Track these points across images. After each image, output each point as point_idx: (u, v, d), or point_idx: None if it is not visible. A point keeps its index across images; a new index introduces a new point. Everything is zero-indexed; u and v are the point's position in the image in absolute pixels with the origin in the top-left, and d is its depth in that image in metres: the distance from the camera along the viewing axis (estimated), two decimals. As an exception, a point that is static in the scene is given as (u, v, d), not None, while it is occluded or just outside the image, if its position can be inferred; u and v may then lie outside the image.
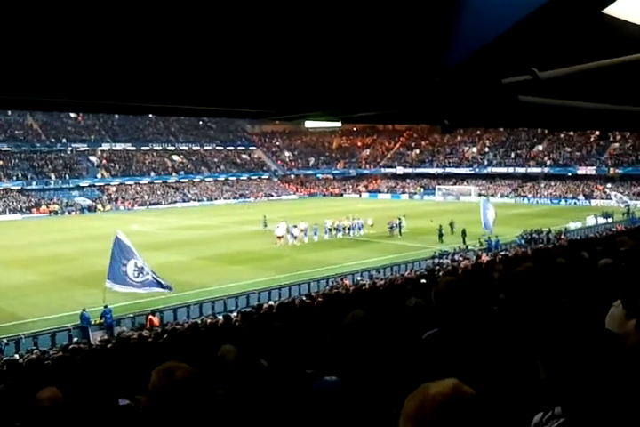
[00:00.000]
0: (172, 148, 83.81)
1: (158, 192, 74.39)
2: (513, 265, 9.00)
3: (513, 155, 75.50)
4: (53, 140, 75.76)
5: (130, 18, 1.49)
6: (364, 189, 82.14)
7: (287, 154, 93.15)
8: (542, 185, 68.99)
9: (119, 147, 79.50)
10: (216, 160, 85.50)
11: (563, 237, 31.06)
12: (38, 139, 75.07)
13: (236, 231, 41.78)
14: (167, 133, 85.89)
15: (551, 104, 2.61)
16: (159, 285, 19.08)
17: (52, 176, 70.68)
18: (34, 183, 68.06)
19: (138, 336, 12.73)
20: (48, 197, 66.68)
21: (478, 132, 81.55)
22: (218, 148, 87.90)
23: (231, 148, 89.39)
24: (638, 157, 64.40)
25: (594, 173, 66.52)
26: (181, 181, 78.06)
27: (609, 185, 63.84)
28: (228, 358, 5.08)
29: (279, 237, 35.11)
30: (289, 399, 3.40)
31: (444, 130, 2.89)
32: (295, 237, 35.22)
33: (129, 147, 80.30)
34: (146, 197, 72.09)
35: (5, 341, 16.52)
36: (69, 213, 63.23)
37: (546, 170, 70.53)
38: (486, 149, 79.16)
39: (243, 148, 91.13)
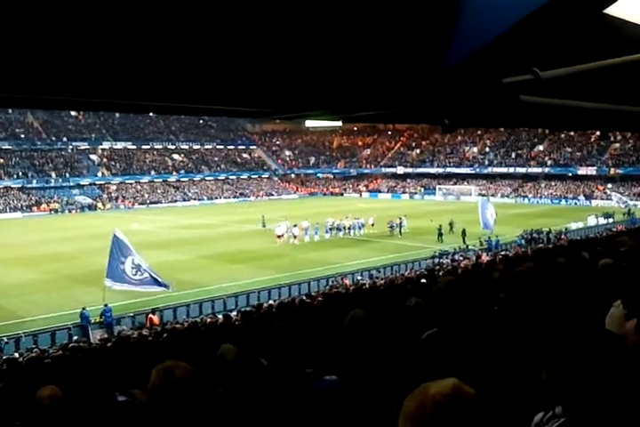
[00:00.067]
0: (173, 146, 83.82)
1: (159, 191, 74.40)
2: (513, 265, 9.00)
3: (513, 155, 75.48)
4: (54, 138, 75.76)
5: (130, 16, 1.49)
6: (364, 188, 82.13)
7: (287, 153, 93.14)
8: (543, 185, 68.97)
9: (120, 145, 79.50)
10: (216, 159, 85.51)
11: (563, 237, 31.06)
12: (39, 137, 75.08)
13: (236, 230, 41.79)
14: (168, 132, 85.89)
15: (552, 104, 2.61)
16: (157, 283, 19.09)
17: (53, 174, 70.69)
18: (34, 181, 68.08)
19: (138, 335, 12.74)
20: (48, 196, 66.70)
21: (479, 132, 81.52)
22: (218, 147, 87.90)
23: (231, 147, 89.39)
24: (639, 158, 64.36)
25: (594, 173, 66.49)
26: (182, 179, 78.06)
27: (609, 185, 63.83)
28: (227, 358, 5.08)
29: (279, 237, 35.11)
30: (289, 399, 3.40)
31: (444, 130, 2.88)
32: (295, 237, 35.21)
33: (129, 145, 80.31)
34: (146, 195, 72.11)
35: (5, 339, 16.51)
36: (70, 212, 63.28)
37: (546, 170, 70.51)
38: (487, 149, 79.14)
39: (243, 147, 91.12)
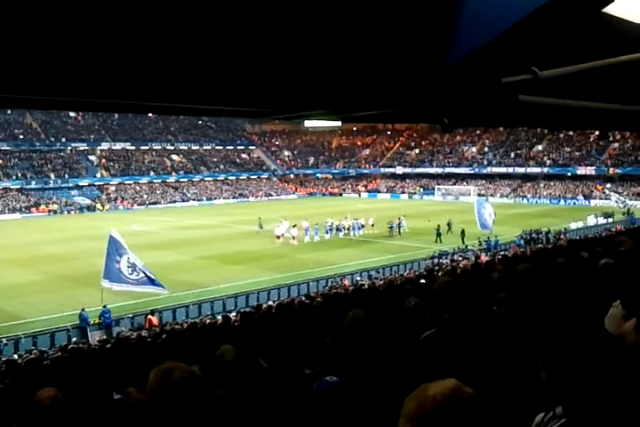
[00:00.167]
0: (172, 147, 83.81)
1: (157, 192, 74.39)
2: (512, 265, 8.99)
3: (512, 155, 75.53)
4: (53, 139, 75.74)
5: (128, 17, 1.48)
6: (363, 188, 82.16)
7: (287, 153, 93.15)
8: (542, 185, 69.02)
9: (118, 146, 79.50)
10: (215, 160, 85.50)
11: (562, 237, 31.07)
12: (38, 138, 75.05)
13: (235, 231, 41.77)
14: (166, 133, 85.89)
15: (551, 104, 2.60)
16: (153, 283, 19.01)
17: (52, 175, 70.69)
18: (33, 182, 68.07)
19: (137, 336, 12.73)
20: (47, 197, 66.68)
21: (478, 132, 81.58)
22: (217, 147, 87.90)
23: (230, 147, 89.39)
24: (638, 158, 64.41)
25: (593, 173, 66.55)
26: (181, 180, 78.06)
27: (608, 185, 63.90)
28: (226, 359, 5.07)
29: (278, 237, 35.11)
30: (288, 400, 3.40)
31: (443, 129, 2.88)
32: (294, 237, 35.21)
33: (128, 146, 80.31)
34: (145, 196, 72.09)
35: (4, 341, 16.52)
36: (69, 213, 63.27)
37: (545, 170, 70.56)
38: (486, 149, 79.18)
39: (242, 147, 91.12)
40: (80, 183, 71.16)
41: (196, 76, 2.01)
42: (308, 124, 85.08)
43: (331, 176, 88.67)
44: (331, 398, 3.02)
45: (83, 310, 18.59)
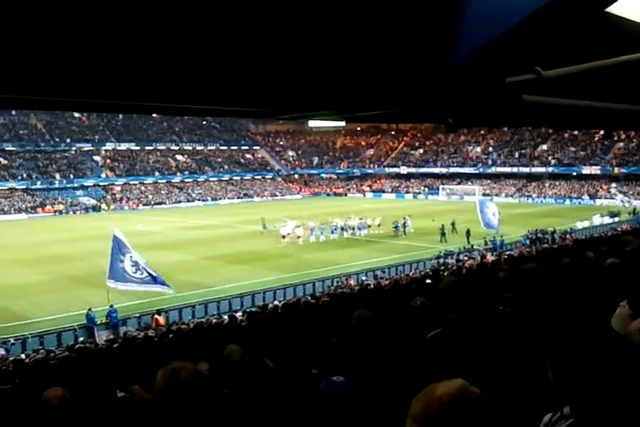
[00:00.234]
0: (176, 147, 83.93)
1: (162, 192, 74.52)
2: (518, 265, 8.98)
3: (517, 154, 75.33)
4: (57, 139, 75.98)
5: (131, 17, 1.49)
6: (367, 188, 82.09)
7: (291, 153, 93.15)
8: (547, 185, 68.83)
9: (123, 146, 79.70)
10: (220, 160, 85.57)
11: (568, 236, 30.97)
12: (42, 138, 75.30)
13: (240, 231, 41.79)
14: (171, 133, 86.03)
15: (555, 103, 2.60)
16: (157, 281, 19.02)
17: (57, 176, 70.92)
18: (38, 183, 68.31)
19: (144, 336, 12.76)
20: (53, 197, 66.92)
21: (482, 132, 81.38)
22: (222, 147, 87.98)
23: (235, 147, 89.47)
24: (643, 157, 64.24)
25: (598, 172, 66.34)
26: (185, 180, 78.17)
27: (613, 185, 63.68)
28: (233, 358, 5.08)
29: (284, 237, 35.13)
30: (295, 400, 3.40)
31: (448, 129, 2.88)
32: (299, 237, 35.21)
33: (133, 146, 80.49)
34: (150, 196, 72.23)
35: (12, 340, 16.58)
36: (74, 213, 63.49)
37: (550, 169, 70.35)
38: (490, 149, 78.99)
39: (246, 147, 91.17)
40: (85, 184, 71.39)
41: (201, 77, 2.02)
42: (312, 124, 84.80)
43: (335, 176, 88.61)
44: (337, 398, 3.03)
45: (89, 309, 18.65)
